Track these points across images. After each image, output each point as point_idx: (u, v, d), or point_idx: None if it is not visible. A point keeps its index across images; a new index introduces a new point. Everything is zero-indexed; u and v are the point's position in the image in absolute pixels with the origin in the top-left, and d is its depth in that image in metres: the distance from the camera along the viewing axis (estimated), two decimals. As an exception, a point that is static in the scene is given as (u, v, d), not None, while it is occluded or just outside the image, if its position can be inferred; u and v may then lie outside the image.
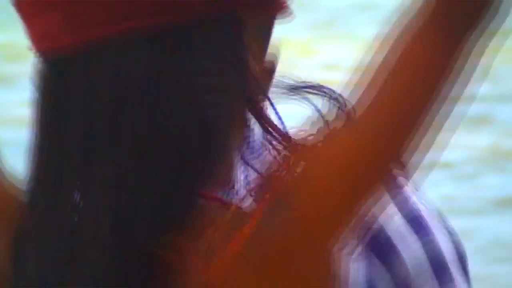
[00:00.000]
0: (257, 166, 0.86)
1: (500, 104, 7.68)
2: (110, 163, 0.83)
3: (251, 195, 0.83)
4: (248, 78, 0.85)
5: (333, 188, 0.81)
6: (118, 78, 0.84)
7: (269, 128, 0.86)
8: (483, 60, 0.83)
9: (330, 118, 0.83)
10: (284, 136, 0.85)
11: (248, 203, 0.83)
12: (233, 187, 0.86)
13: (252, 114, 0.86)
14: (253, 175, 0.87)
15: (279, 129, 0.86)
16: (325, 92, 0.84)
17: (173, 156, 0.84)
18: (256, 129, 0.88)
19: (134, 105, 0.83)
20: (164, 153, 0.83)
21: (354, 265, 1.12)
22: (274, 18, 0.88)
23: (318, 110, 0.82)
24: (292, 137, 0.84)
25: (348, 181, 0.81)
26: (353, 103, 0.79)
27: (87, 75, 0.84)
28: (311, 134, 0.82)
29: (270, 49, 0.91)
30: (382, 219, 0.89)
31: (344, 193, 0.82)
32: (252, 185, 0.84)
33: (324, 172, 0.82)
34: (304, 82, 0.84)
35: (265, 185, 0.84)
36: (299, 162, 0.83)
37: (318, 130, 0.83)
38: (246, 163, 0.87)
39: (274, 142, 0.85)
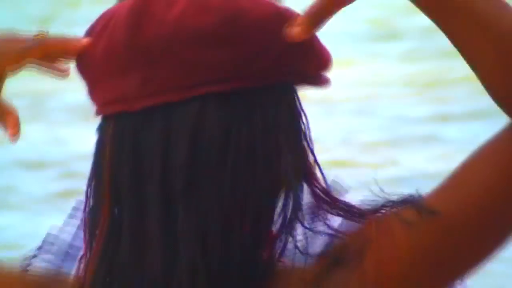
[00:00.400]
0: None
1: None
2: (194, 222, 0.88)
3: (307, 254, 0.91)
4: (306, 139, 0.94)
5: (400, 273, 0.88)
6: (197, 139, 0.89)
7: (319, 192, 0.92)
8: None
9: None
10: (342, 203, 0.92)
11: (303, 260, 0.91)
12: (285, 245, 0.91)
13: (305, 177, 0.92)
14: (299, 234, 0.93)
15: (331, 194, 0.93)
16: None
17: (254, 214, 0.90)
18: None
19: (214, 166, 0.89)
20: (246, 213, 0.89)
21: None
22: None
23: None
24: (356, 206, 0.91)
25: (415, 276, 0.89)
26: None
27: (164, 137, 0.89)
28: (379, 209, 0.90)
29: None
30: None
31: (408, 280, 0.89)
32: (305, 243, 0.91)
33: (398, 254, 0.88)
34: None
35: (334, 244, 0.91)
36: (370, 232, 0.89)
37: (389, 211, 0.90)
38: (300, 222, 0.92)
39: (325, 206, 0.92)
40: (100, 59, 0.91)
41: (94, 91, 0.94)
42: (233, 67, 0.90)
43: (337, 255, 0.89)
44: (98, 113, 0.94)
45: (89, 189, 0.94)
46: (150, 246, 0.89)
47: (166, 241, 0.89)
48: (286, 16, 0.91)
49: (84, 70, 0.94)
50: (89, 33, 0.94)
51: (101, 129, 0.93)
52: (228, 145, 0.89)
